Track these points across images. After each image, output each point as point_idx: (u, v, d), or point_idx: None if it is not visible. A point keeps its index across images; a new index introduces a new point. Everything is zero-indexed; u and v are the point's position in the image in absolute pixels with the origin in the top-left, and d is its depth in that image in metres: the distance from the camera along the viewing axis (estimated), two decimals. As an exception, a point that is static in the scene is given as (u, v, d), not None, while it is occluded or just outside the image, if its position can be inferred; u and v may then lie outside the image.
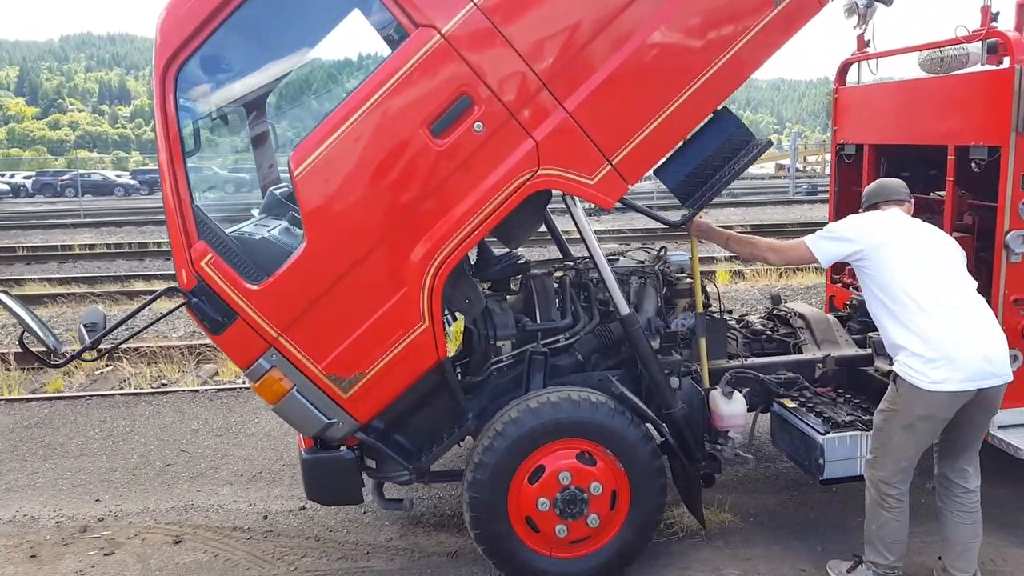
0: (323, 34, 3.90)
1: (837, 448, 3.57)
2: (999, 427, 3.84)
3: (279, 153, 4.34)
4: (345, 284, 3.22)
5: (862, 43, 4.91)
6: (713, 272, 11.10)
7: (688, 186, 3.54)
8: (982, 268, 4.08)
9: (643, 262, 4.26)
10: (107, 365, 7.59)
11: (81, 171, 35.10)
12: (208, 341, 6.13)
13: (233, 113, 4.11)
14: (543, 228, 4.53)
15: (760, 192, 29.58)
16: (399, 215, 3.20)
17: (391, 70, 3.09)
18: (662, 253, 4.28)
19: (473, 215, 3.22)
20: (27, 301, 10.88)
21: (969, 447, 3.28)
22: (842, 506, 4.29)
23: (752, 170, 38.99)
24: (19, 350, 3.64)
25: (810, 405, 3.88)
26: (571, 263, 4.29)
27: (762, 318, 4.76)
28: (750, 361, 4.14)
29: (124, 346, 7.72)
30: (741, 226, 17.41)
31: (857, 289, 4.97)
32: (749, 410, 3.81)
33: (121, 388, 7.06)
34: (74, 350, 3.29)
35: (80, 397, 6.63)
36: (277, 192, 3.93)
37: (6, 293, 3.47)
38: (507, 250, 4.17)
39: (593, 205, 3.38)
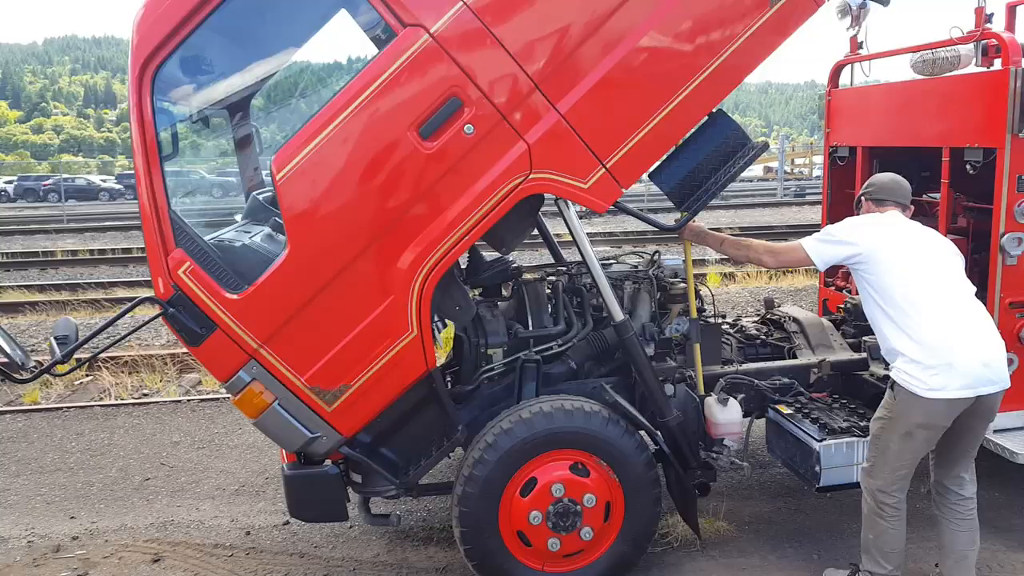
0: (308, 35, 3.80)
1: (834, 455, 3.52)
2: (995, 431, 3.81)
3: (264, 156, 4.23)
4: (329, 293, 3.13)
5: (855, 45, 4.87)
6: (705, 275, 11.11)
7: (684, 190, 3.47)
8: (976, 271, 4.03)
9: (636, 267, 4.19)
10: (87, 375, 7.44)
11: (65, 175, 34.62)
12: (190, 350, 6.01)
13: (216, 116, 4.00)
14: (535, 232, 4.46)
15: (748, 194, 29.71)
16: (386, 221, 3.11)
17: (378, 71, 3.00)
18: (655, 257, 4.21)
19: (463, 220, 3.13)
20: (6, 309, 10.75)
21: (966, 454, 3.23)
22: (838, 512, 4.24)
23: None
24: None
25: (806, 411, 3.83)
26: (564, 268, 4.21)
27: (756, 322, 4.71)
28: (745, 367, 4.08)
29: (105, 355, 7.60)
30: (730, 228, 17.42)
31: (851, 292, 4.93)
32: (744, 416, 3.75)
33: (101, 399, 6.90)
34: (45, 363, 3.17)
35: (57, 409, 6.47)
36: (260, 197, 3.82)
37: None
38: (498, 255, 4.09)
39: (585, 208, 3.30)
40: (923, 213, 4.51)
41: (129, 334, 3.73)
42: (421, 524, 4.32)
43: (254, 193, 3.92)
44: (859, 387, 4.09)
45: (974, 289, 3.15)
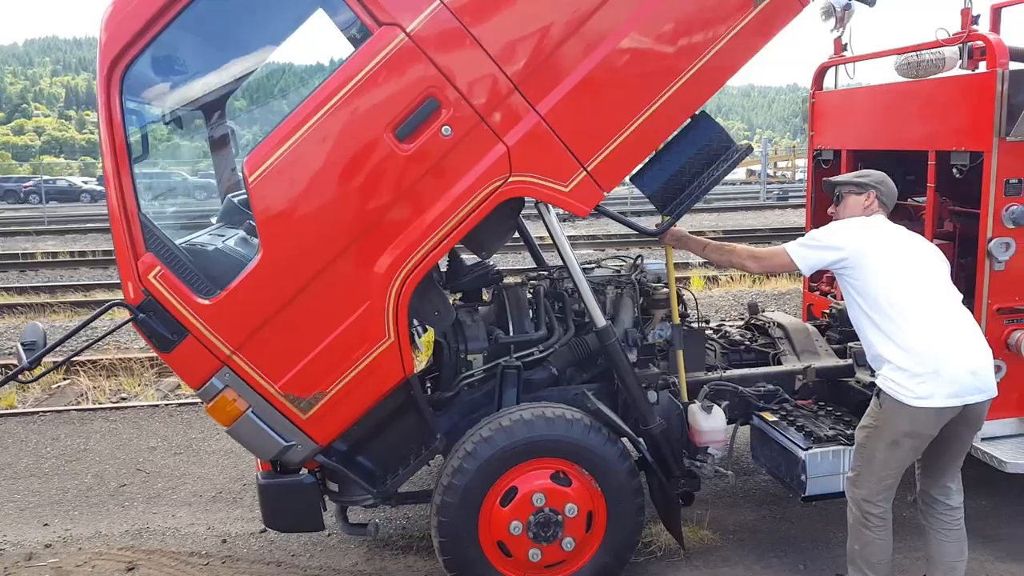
0: (283, 34, 3.71)
1: (820, 463, 3.47)
2: (983, 439, 3.77)
3: (240, 158, 4.14)
4: (304, 298, 3.06)
5: (839, 47, 4.84)
6: (688, 279, 11.08)
7: (666, 193, 3.41)
8: (963, 276, 4.00)
9: (619, 271, 4.13)
10: (64, 379, 7.34)
11: (46, 177, 34.19)
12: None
13: (189, 116, 3.92)
14: (516, 235, 4.40)
15: (732, 197, 29.79)
16: (361, 224, 3.04)
17: (352, 71, 2.93)
18: (638, 262, 4.15)
19: (441, 224, 3.06)
20: (-18, 312, 10.60)
21: (952, 464, 3.18)
22: (824, 521, 4.19)
23: (723, 175, 39.50)
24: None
25: (791, 419, 3.78)
26: (545, 272, 4.15)
27: (740, 328, 4.67)
28: (729, 373, 4.04)
29: (83, 359, 7.51)
30: (713, 231, 17.42)
31: (836, 297, 4.89)
32: (728, 423, 3.70)
33: (78, 403, 6.80)
34: (11, 369, 3.08)
35: (33, 413, 6.37)
36: (236, 200, 3.74)
37: None
38: (478, 259, 4.03)
39: (569, 213, 3.24)
40: (909, 217, 4.48)
41: (99, 340, 3.66)
42: (401, 533, 4.25)
43: (230, 196, 3.84)
44: (845, 394, 4.05)
45: (960, 296, 3.10)
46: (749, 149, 3.47)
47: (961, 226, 4.33)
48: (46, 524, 4.52)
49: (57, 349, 3.17)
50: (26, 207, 31.69)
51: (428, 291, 3.45)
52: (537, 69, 3.04)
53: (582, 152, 3.12)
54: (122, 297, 3.09)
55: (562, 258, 3.38)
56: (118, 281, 12.30)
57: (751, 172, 40.45)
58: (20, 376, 3.03)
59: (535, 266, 4.58)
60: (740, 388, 3.87)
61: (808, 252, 3.17)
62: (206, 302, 3.04)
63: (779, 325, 4.43)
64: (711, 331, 4.50)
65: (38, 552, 4.16)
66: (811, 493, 3.49)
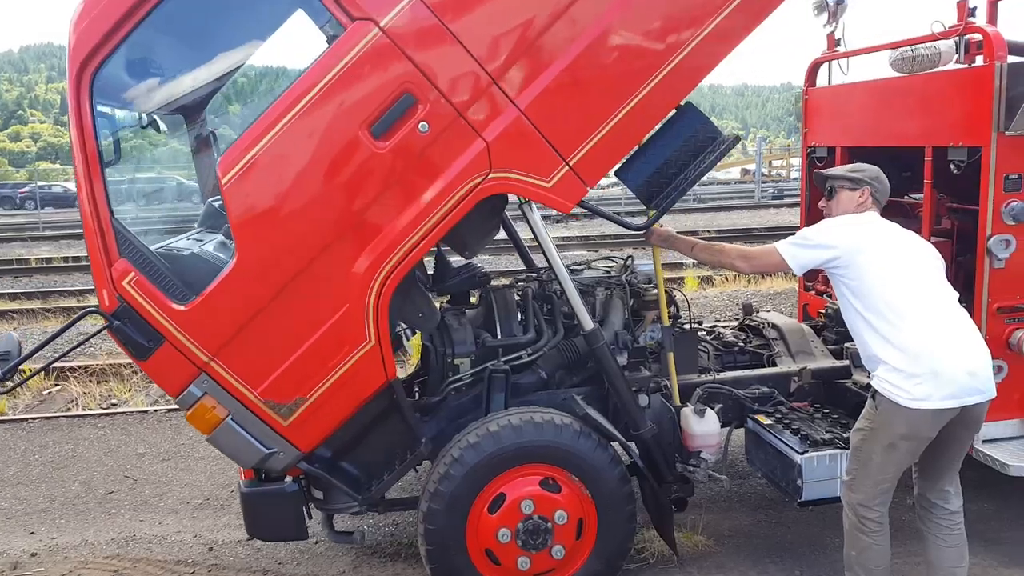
0: (258, 34, 3.64)
1: (816, 468, 3.39)
2: (984, 441, 3.68)
3: (221, 161, 4.06)
4: (281, 302, 2.99)
5: (832, 42, 4.76)
6: (682, 279, 11.00)
7: (652, 187, 3.33)
8: (962, 275, 3.92)
9: (609, 272, 4.05)
10: (56, 385, 7.31)
11: (41, 183, 34.15)
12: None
13: (167, 119, 3.85)
14: (504, 236, 4.33)
15: (726, 197, 29.80)
16: (338, 225, 2.97)
17: (326, 68, 2.86)
18: (629, 262, 4.07)
19: (420, 223, 2.99)
20: (-25, 318, 10.54)
21: (950, 467, 3.10)
22: (821, 525, 4.11)
23: (718, 175, 39.57)
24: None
25: (786, 422, 3.70)
26: (534, 274, 4.08)
27: (734, 329, 4.60)
28: (722, 375, 3.96)
29: (73, 365, 7.49)
30: (707, 231, 17.37)
31: (831, 297, 4.81)
32: (722, 426, 3.62)
33: (68, 409, 6.76)
34: None
35: (22, 420, 6.33)
36: (217, 204, 3.66)
37: None
38: (466, 261, 3.96)
39: (559, 213, 3.16)
40: (906, 215, 4.39)
41: (73, 349, 3.60)
42: (389, 539, 4.19)
43: (210, 200, 3.77)
44: (841, 396, 3.97)
45: (957, 294, 3.02)
46: (736, 139, 3.39)
47: (959, 223, 4.24)
48: (32, 532, 4.48)
49: (36, 356, 3.11)
50: (22, 213, 31.71)
51: (410, 292, 3.39)
52: (516, 62, 2.96)
53: (564, 146, 3.05)
54: (97, 304, 3.03)
55: (547, 259, 3.31)
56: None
57: (746, 171, 40.48)
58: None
59: (524, 268, 4.51)
60: (734, 391, 3.80)
61: (799, 251, 3.08)
62: (181, 308, 2.97)
63: (774, 326, 4.36)
64: (704, 332, 4.43)
65: (24, 561, 4.11)
66: (807, 498, 3.41)
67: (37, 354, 3.40)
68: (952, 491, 3.11)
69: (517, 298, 3.90)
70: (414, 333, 4.36)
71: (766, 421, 3.73)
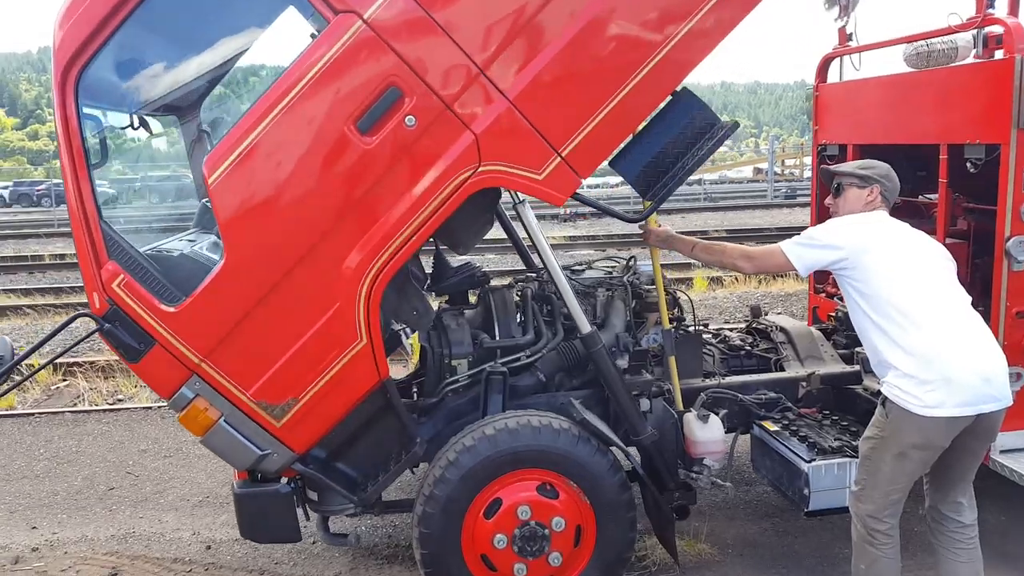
0: (245, 31, 3.57)
1: (824, 477, 3.30)
2: (1001, 451, 3.56)
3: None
4: (271, 302, 2.94)
5: (844, 37, 4.64)
6: (690, 279, 10.85)
7: (648, 177, 3.23)
8: (979, 277, 3.79)
9: (610, 273, 3.96)
10: (63, 380, 7.34)
11: (57, 180, 34.68)
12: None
13: (156, 119, 3.81)
14: (504, 235, 4.26)
15: (738, 196, 29.57)
16: (326, 223, 2.91)
17: (310, 63, 2.80)
18: (631, 263, 3.99)
19: (410, 219, 2.92)
20: (-10, 313, 10.66)
21: (963, 478, 2.99)
22: (829, 535, 4.01)
23: (730, 174, 39.17)
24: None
25: (794, 428, 3.61)
26: (533, 274, 4.00)
27: (741, 332, 4.50)
28: (727, 380, 3.87)
29: (80, 360, 7.53)
30: (718, 231, 17.20)
31: (842, 299, 4.70)
32: (728, 432, 3.54)
33: (75, 404, 6.79)
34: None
35: (28, 415, 6.38)
36: (209, 204, 3.62)
37: None
38: (464, 261, 3.89)
39: (562, 209, 3.08)
40: (920, 215, 4.27)
41: (65, 351, 3.59)
42: (386, 541, 4.14)
43: (204, 200, 3.72)
44: (851, 402, 3.87)
45: (969, 297, 2.91)
46: (736, 125, 3.28)
47: (976, 224, 4.11)
48: (34, 527, 4.51)
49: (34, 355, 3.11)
50: (38, 210, 32.19)
51: (404, 289, 3.33)
52: (504, 52, 2.88)
53: (555, 137, 2.96)
54: (88, 307, 3.01)
55: (541, 258, 3.23)
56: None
57: (759, 170, 40.13)
58: None
59: (524, 268, 4.43)
60: (739, 396, 3.71)
61: (805, 251, 2.98)
62: (171, 310, 2.94)
63: (782, 329, 4.26)
64: (710, 335, 4.33)
65: (25, 556, 4.13)
66: (815, 508, 3.33)
67: (32, 355, 3.38)
68: (965, 503, 2.99)
69: (516, 299, 3.83)
70: (413, 331, 4.31)
71: (773, 428, 3.63)
